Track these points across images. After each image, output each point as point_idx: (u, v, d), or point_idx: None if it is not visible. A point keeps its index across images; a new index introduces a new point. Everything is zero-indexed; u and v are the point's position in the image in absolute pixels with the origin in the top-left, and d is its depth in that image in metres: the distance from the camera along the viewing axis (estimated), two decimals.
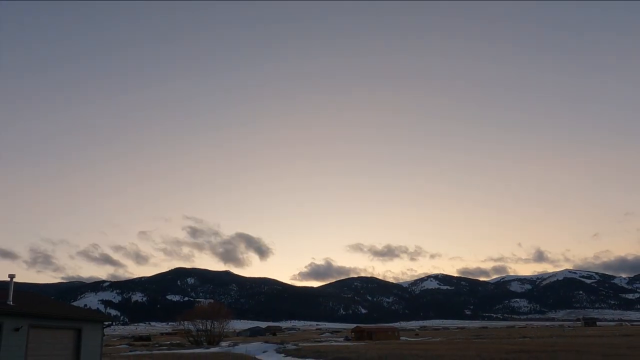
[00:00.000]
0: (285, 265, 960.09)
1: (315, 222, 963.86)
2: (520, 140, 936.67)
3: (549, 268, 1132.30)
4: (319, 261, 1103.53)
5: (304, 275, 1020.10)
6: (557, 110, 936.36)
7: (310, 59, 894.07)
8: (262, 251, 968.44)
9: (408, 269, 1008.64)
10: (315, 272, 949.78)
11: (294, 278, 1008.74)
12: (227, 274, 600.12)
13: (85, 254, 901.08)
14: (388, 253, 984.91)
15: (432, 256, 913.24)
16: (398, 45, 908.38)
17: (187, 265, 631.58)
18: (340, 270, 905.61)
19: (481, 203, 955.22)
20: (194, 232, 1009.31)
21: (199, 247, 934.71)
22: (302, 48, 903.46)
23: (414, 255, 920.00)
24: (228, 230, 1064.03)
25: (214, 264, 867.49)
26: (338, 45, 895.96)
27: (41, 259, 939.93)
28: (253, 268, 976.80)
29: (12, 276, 20.02)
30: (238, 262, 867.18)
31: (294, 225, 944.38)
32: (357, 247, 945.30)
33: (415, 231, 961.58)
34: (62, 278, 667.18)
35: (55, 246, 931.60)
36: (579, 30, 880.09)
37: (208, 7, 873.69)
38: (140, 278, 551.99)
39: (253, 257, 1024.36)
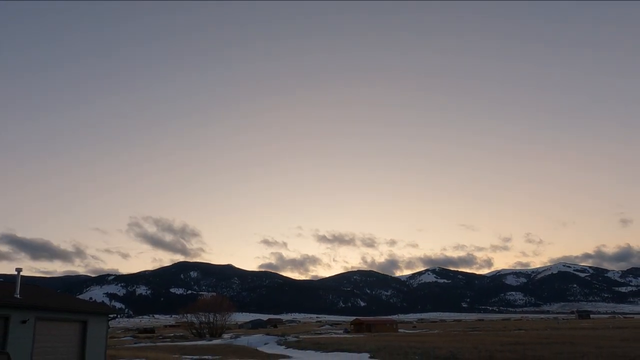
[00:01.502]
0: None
1: (266, 205, 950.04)
2: (484, 127, 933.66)
3: (520, 257, 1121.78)
4: (271, 249, 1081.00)
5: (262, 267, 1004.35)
6: (523, 98, 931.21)
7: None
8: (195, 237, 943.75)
9: (364, 254, 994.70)
10: (268, 264, 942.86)
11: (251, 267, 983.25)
12: (229, 267, 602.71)
13: (90, 249, 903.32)
14: (337, 239, 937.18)
15: (389, 243, 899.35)
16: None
17: (190, 259, 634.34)
18: (295, 261, 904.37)
19: (442, 191, 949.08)
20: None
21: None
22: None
23: (368, 243, 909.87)
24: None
25: (217, 258, 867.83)
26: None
27: (47, 254, 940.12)
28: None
29: (19, 270, 20.58)
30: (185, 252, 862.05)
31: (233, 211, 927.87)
32: (309, 234, 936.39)
33: (369, 218, 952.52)
34: (68, 272, 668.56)
35: (61, 241, 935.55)
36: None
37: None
38: (145, 272, 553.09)
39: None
